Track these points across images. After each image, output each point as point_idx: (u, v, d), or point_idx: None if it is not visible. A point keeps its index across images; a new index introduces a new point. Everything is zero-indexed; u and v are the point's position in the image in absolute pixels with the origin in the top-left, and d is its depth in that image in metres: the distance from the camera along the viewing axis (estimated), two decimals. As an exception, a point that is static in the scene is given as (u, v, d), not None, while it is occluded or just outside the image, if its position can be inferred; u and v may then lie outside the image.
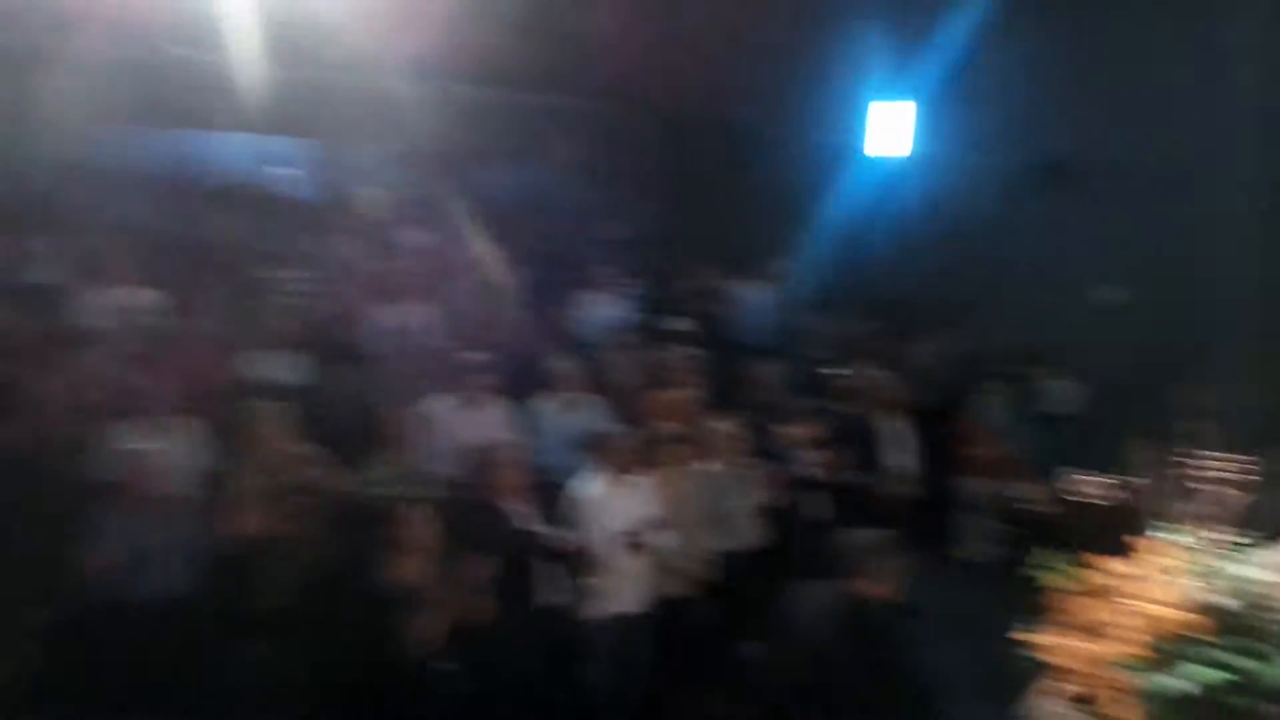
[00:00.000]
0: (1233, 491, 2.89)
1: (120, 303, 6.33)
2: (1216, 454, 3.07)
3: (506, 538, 4.18)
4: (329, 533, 4.65)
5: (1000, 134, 8.69)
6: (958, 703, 4.06)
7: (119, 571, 4.03)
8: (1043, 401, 7.32)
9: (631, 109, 12.37)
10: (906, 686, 3.81)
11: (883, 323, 8.31)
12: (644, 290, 9.11)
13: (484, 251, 9.18)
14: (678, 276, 9.79)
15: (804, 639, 4.01)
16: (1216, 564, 2.46)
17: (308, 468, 4.53)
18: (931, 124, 9.60)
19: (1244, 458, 3.02)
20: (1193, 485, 2.97)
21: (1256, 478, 2.98)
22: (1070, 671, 2.49)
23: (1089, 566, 2.59)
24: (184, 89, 8.40)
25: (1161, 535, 2.60)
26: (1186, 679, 2.30)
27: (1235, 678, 2.27)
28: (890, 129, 9.90)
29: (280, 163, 11.66)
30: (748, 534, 5.27)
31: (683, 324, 7.82)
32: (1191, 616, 2.37)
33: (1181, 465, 3.12)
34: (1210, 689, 2.28)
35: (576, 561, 4.39)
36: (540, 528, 4.33)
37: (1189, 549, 2.53)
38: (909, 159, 9.78)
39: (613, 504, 4.64)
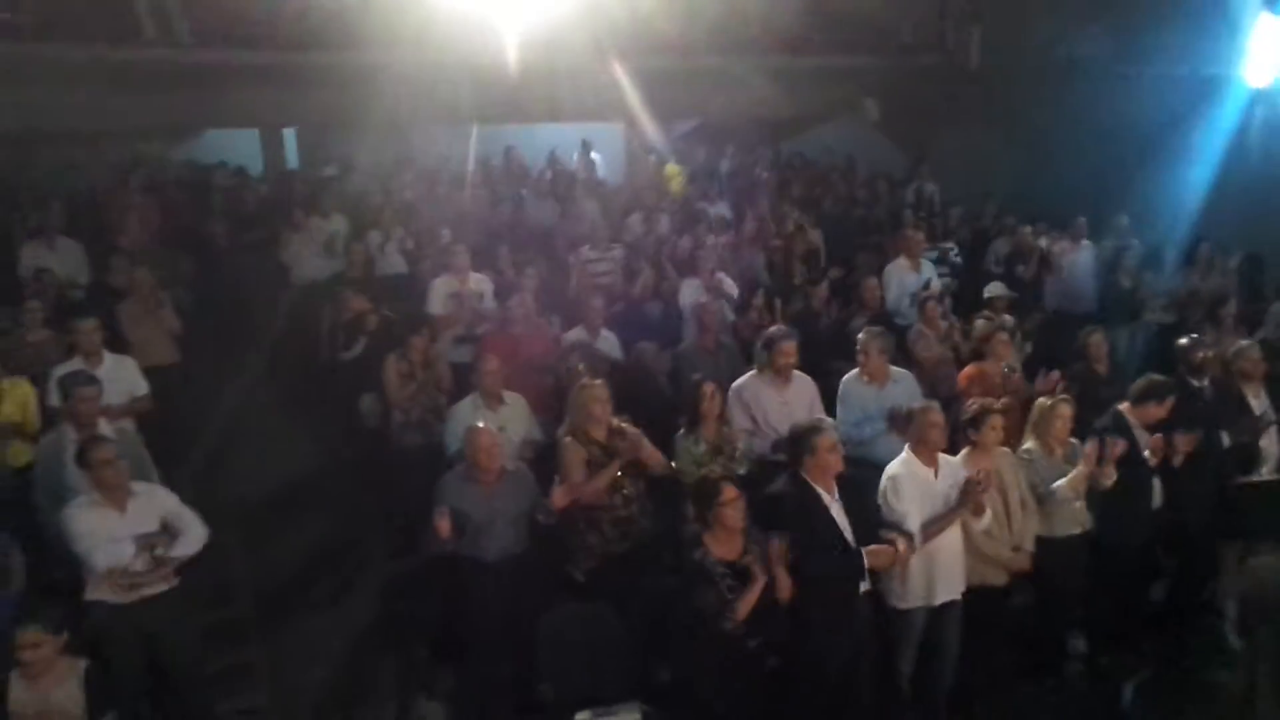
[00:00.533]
0: None
1: (458, 289, 6.97)
2: None
3: (821, 519, 4.14)
4: (647, 505, 4.90)
5: None
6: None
7: (463, 535, 4.47)
8: None
9: (946, 60, 11.71)
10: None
11: (1238, 282, 7.51)
12: (959, 254, 8.65)
13: (790, 221, 9.13)
14: (996, 237, 9.19)
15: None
16: None
17: (627, 443, 4.75)
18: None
19: None
20: None
21: None
22: None
23: None
24: (507, 86, 9.06)
25: None
26: None
27: None
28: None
29: (593, 148, 12.33)
30: (1072, 519, 4.86)
31: (1001, 289, 7.30)
32: None
33: None
34: None
35: (888, 544, 4.25)
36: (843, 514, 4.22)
37: None
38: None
39: (925, 485, 4.45)
